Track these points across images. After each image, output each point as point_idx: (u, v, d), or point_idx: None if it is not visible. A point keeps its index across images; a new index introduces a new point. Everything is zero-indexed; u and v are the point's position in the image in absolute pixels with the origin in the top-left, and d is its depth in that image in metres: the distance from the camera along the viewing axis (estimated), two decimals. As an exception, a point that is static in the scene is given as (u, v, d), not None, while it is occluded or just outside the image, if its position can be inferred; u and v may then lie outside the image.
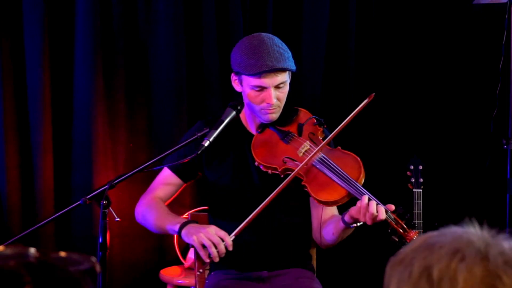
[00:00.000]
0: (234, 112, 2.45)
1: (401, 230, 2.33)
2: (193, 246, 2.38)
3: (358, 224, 2.41)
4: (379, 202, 2.32)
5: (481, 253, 0.97)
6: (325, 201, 2.44)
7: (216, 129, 2.40)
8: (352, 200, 2.40)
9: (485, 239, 0.99)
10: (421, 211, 2.98)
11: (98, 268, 0.98)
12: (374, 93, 2.48)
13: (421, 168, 3.04)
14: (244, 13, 3.71)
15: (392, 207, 2.35)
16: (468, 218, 1.05)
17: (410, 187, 3.03)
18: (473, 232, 1.01)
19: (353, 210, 2.34)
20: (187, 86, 3.66)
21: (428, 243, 1.01)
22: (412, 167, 3.05)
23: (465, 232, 1.01)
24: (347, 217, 2.40)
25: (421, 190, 3.01)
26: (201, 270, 2.40)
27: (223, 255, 2.31)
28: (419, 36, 3.93)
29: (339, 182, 2.39)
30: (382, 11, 3.93)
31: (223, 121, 2.43)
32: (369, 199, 2.32)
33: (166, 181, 2.62)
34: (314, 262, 2.74)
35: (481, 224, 1.03)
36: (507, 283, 0.95)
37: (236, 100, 2.53)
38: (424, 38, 3.94)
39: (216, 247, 2.30)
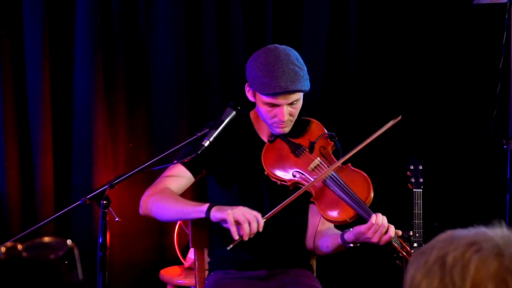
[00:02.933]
0: (234, 112, 2.45)
1: (406, 255, 2.38)
2: (216, 225, 2.34)
3: (356, 245, 2.44)
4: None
5: (498, 248, 0.98)
6: (333, 220, 2.47)
7: (216, 129, 2.40)
8: (357, 221, 2.41)
9: (506, 238, 1.01)
10: (421, 211, 2.97)
11: (76, 249, 1.00)
12: (400, 116, 2.50)
13: (421, 168, 3.04)
14: (244, 13, 3.71)
15: (399, 232, 2.39)
16: (469, 218, 1.07)
17: (410, 187, 3.03)
18: (497, 231, 1.03)
19: (362, 227, 2.36)
20: (187, 86, 3.66)
21: (451, 236, 1.03)
22: (412, 167, 3.05)
23: (489, 230, 1.03)
24: (348, 235, 2.42)
25: (421, 190, 3.01)
26: (230, 246, 2.33)
27: (252, 235, 2.30)
28: (419, 36, 3.94)
29: (348, 202, 2.41)
30: (382, 11, 3.94)
31: (223, 121, 2.42)
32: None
33: (176, 173, 2.58)
34: (314, 262, 2.74)
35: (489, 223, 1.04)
36: None
37: (236, 100, 2.53)
38: (424, 38, 3.94)
39: (249, 225, 2.29)
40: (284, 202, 2.40)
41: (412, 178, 3.03)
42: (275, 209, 2.38)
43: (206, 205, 2.38)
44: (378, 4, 3.94)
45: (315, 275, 2.70)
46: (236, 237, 2.29)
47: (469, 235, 1.02)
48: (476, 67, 3.90)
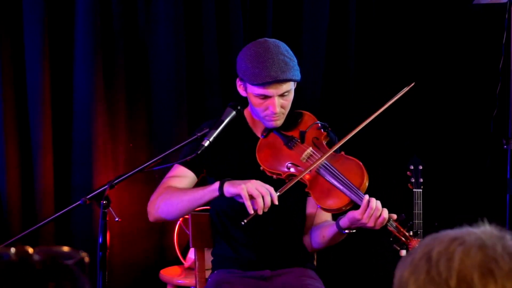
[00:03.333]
0: (234, 112, 2.45)
1: (403, 238, 2.35)
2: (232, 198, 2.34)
3: (352, 231, 2.43)
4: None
5: (481, 240, 1.00)
6: (329, 209, 2.45)
7: (216, 129, 2.40)
8: (353, 208, 2.41)
9: (488, 231, 1.03)
10: (421, 211, 2.98)
11: (87, 259, 1.02)
12: (413, 83, 2.50)
13: (421, 168, 3.04)
14: (244, 13, 3.72)
15: (394, 216, 2.37)
16: (469, 218, 1.08)
17: (410, 187, 3.03)
18: (479, 227, 1.05)
19: (356, 213, 2.35)
20: (187, 86, 3.66)
21: (435, 235, 1.05)
22: (412, 167, 3.05)
23: (473, 227, 1.05)
24: (343, 221, 2.42)
25: (421, 190, 3.01)
26: (245, 221, 2.30)
27: (267, 209, 2.29)
28: (419, 36, 3.93)
29: (342, 189, 2.40)
30: (382, 11, 3.94)
31: (223, 121, 2.42)
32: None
33: (179, 174, 2.57)
34: (314, 262, 2.74)
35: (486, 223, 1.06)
36: (504, 268, 0.97)
37: (236, 100, 2.53)
38: (424, 38, 3.94)
39: (263, 199, 2.28)
40: (295, 177, 2.40)
41: (412, 178, 3.03)
42: (288, 183, 2.37)
43: (217, 183, 2.37)
44: (378, 4, 3.94)
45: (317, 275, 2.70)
46: (251, 211, 2.28)
47: (452, 232, 1.04)
48: (476, 67, 3.90)
